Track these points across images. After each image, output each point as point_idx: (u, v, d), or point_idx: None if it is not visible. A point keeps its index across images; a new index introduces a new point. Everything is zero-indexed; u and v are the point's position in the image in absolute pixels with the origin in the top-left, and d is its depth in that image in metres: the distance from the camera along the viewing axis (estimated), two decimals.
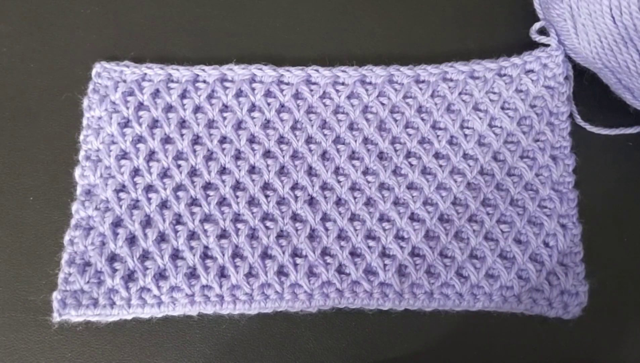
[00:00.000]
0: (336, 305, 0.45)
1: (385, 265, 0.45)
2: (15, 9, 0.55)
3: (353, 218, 0.47)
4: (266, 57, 0.50)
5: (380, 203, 0.47)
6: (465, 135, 0.48)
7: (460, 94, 0.49)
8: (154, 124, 0.47)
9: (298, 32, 0.54)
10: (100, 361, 0.45)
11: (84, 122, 0.48)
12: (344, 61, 0.51)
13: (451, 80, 0.49)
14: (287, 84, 0.49)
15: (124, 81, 0.48)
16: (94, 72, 0.49)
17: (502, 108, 0.49)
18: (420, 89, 0.49)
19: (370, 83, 0.49)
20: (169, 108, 0.48)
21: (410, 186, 0.47)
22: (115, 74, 0.48)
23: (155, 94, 0.48)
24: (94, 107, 0.48)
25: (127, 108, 0.47)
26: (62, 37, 0.54)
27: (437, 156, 0.48)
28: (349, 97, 0.49)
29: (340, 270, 0.45)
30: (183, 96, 0.48)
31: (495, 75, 0.49)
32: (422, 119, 0.48)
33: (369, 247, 0.46)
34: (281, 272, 0.45)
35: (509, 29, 0.57)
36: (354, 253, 0.46)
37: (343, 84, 0.49)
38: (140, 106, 0.48)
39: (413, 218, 0.47)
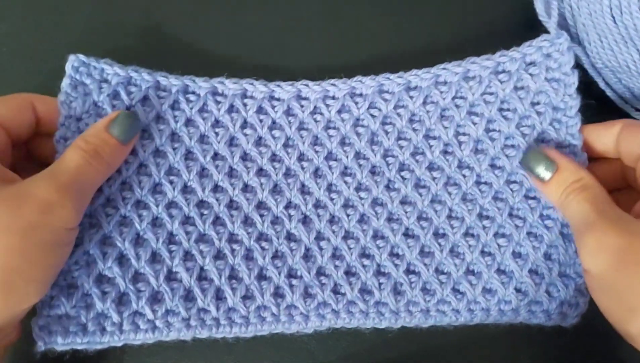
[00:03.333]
0: (332, 325, 0.46)
1: (380, 284, 0.47)
2: (15, 8, 0.56)
3: (347, 236, 0.48)
4: (255, 66, 0.52)
5: (373, 220, 0.48)
6: (460, 143, 0.49)
7: (454, 98, 0.50)
8: (143, 134, 0.48)
9: (288, 37, 0.56)
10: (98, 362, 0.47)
11: (60, 121, 0.46)
12: (336, 69, 0.52)
13: (444, 83, 0.50)
14: (278, 100, 0.50)
15: (107, 82, 0.48)
16: (70, 65, 0.47)
17: (500, 110, 0.49)
18: (411, 97, 0.50)
19: (360, 95, 0.50)
20: (158, 118, 0.49)
21: (404, 201, 0.48)
22: (95, 71, 0.48)
23: (144, 101, 0.48)
24: (74, 107, 0.47)
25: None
26: (62, 37, 0.55)
27: (430, 168, 0.49)
28: (339, 112, 0.50)
29: (335, 290, 0.47)
30: (173, 107, 0.49)
31: (491, 73, 0.49)
32: (414, 130, 0.49)
33: (364, 266, 0.47)
34: (277, 294, 0.46)
35: (508, 28, 0.57)
36: (349, 272, 0.47)
37: (333, 98, 0.50)
38: (128, 109, 0.48)
39: (407, 234, 0.48)
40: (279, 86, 0.50)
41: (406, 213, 0.48)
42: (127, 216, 0.46)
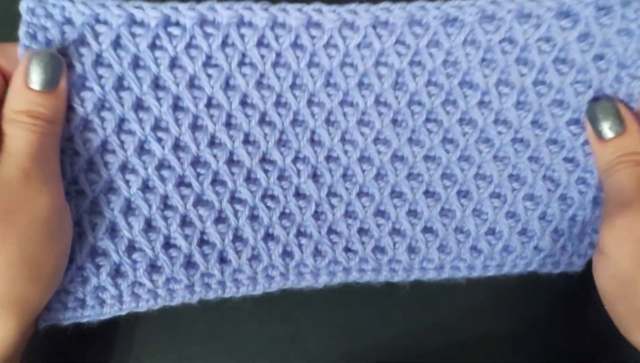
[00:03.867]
0: (343, 281, 0.45)
1: (395, 243, 0.44)
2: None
3: (362, 193, 0.44)
4: None
5: (391, 176, 0.43)
6: (500, 94, 0.42)
7: (501, 41, 0.41)
8: (120, 84, 0.40)
9: None
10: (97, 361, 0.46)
11: None
12: None
13: (492, 19, 0.41)
14: (284, 28, 0.40)
15: (71, 23, 0.38)
16: (24, 7, 0.37)
17: (555, 60, 0.42)
18: (449, 34, 0.41)
19: (386, 26, 0.41)
20: (136, 63, 0.40)
21: (428, 157, 0.44)
22: (55, 11, 0.38)
23: (116, 43, 0.39)
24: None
25: (82, 63, 0.39)
26: None
27: (462, 120, 0.43)
28: (359, 46, 0.41)
29: (347, 248, 0.44)
30: (153, 45, 0.40)
31: (553, 17, 0.41)
32: (448, 75, 0.42)
33: (378, 225, 0.44)
34: (285, 252, 0.44)
35: None
36: (362, 231, 0.44)
37: (353, 28, 0.41)
38: (99, 59, 0.39)
39: (428, 192, 0.44)
40: (284, 10, 0.40)
41: (429, 170, 0.43)
42: (113, 182, 0.41)
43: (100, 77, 0.39)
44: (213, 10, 0.39)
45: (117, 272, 0.42)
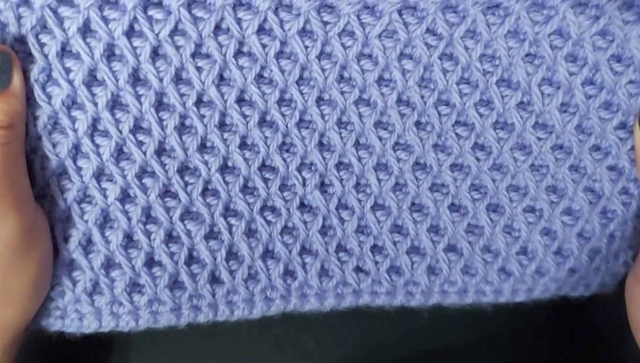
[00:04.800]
0: (352, 305, 0.40)
1: (413, 263, 0.39)
2: None
3: (377, 205, 0.38)
4: None
5: (412, 188, 0.38)
6: (543, 94, 0.36)
7: (551, 34, 0.35)
8: (92, 78, 0.33)
9: None
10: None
11: None
12: None
13: (542, 6, 0.35)
14: (291, 11, 0.33)
15: (29, 5, 0.31)
16: None
17: (611, 57, 0.36)
18: (491, 24, 0.34)
19: (414, 11, 0.34)
20: (111, 53, 0.33)
21: (456, 165, 0.38)
22: None
23: (86, 29, 0.32)
24: None
25: (45, 55, 0.32)
26: None
27: (496, 124, 0.37)
28: (381, 35, 0.34)
29: (358, 268, 0.39)
30: (131, 31, 0.33)
31: (614, 7, 0.35)
32: (485, 72, 0.36)
33: (395, 242, 0.38)
34: (287, 273, 0.38)
35: None
36: (375, 248, 0.39)
37: (374, 12, 0.34)
38: (65, 48, 0.32)
39: (454, 205, 0.39)
40: None
41: (456, 181, 0.38)
42: (87, 192, 0.35)
43: (68, 70, 0.32)
44: None
45: (94, 288, 0.36)
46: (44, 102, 0.32)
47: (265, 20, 0.33)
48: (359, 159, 0.37)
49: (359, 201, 0.38)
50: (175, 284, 0.37)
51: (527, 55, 0.35)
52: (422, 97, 0.36)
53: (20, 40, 0.31)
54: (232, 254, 0.37)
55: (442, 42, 0.35)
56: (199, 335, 0.43)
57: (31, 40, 0.31)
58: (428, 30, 0.35)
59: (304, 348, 0.44)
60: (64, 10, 0.31)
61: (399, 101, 0.36)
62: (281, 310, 0.39)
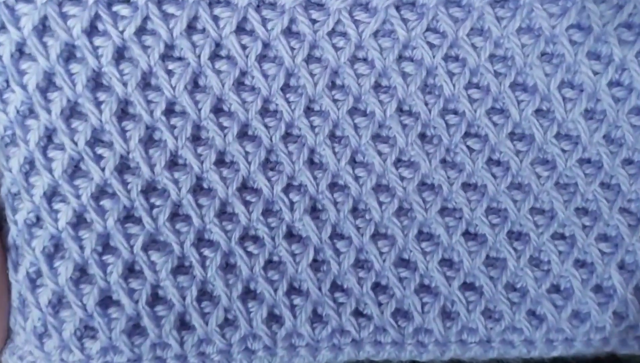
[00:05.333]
0: (352, 358, 0.33)
1: (423, 304, 0.33)
2: None
3: (378, 233, 0.32)
4: None
5: (419, 212, 0.32)
6: (565, 99, 0.31)
7: (570, 28, 0.31)
8: (48, 84, 0.29)
9: None
10: None
11: None
12: None
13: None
14: (274, 7, 0.30)
15: None
16: None
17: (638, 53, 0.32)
18: (500, 18, 0.30)
19: (412, 6, 0.30)
20: (70, 54, 0.29)
21: (468, 184, 0.33)
22: None
23: (43, 28, 0.29)
24: None
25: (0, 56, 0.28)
26: None
27: (513, 135, 0.32)
28: (376, 34, 0.31)
29: (358, 312, 0.33)
30: (93, 29, 0.29)
31: None
32: (497, 73, 0.31)
33: (401, 279, 0.32)
34: (271, 317, 0.32)
35: None
36: (378, 287, 0.33)
37: (368, 8, 0.30)
38: (21, 50, 0.29)
39: (469, 233, 0.33)
40: None
41: (470, 202, 0.32)
42: (37, 212, 0.30)
43: (22, 73, 0.29)
44: None
45: (45, 329, 0.31)
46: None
47: (245, 18, 0.30)
48: (356, 178, 0.32)
49: (357, 228, 0.32)
50: (135, 329, 0.31)
51: (543, 54, 0.31)
52: (427, 104, 0.31)
53: None
54: (205, 293, 0.32)
55: (446, 41, 0.31)
56: None
57: None
58: (429, 27, 0.31)
59: None
60: (20, 7, 0.28)
61: (400, 110, 0.32)
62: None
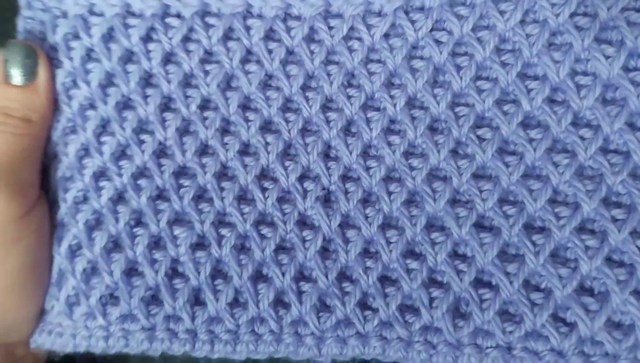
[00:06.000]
0: (357, 355, 0.32)
1: (432, 300, 0.31)
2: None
3: (387, 223, 0.33)
4: None
5: (428, 202, 0.32)
6: (579, 86, 0.30)
7: (573, 15, 0.31)
8: (109, 82, 0.36)
9: None
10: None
11: None
12: None
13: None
14: (297, 19, 0.34)
15: (65, 16, 0.36)
16: (22, 1, 0.36)
17: None
18: (503, 12, 0.32)
19: (420, 10, 0.33)
20: (128, 57, 0.36)
21: (480, 174, 0.32)
22: (51, 3, 0.36)
23: (109, 36, 0.36)
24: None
25: (71, 59, 0.35)
26: None
27: (526, 124, 0.31)
28: (387, 36, 0.33)
29: (363, 303, 0.32)
30: (148, 38, 0.36)
31: None
32: (504, 64, 0.32)
33: (409, 270, 0.31)
34: (278, 301, 0.33)
35: None
36: (385, 278, 0.32)
37: (379, 14, 0.33)
38: (89, 54, 0.36)
39: (482, 225, 0.32)
40: None
41: (481, 192, 0.31)
42: (87, 190, 0.35)
43: (88, 72, 0.35)
44: None
45: (75, 298, 0.34)
46: (65, 104, 0.35)
47: (271, 28, 0.35)
48: (367, 169, 0.33)
49: (366, 216, 0.32)
50: (153, 300, 0.34)
51: (551, 44, 0.31)
52: (435, 97, 0.32)
53: (54, 47, 0.36)
54: (219, 273, 0.34)
55: (452, 39, 0.32)
56: None
57: (62, 46, 0.35)
58: (436, 27, 0.33)
59: None
60: (93, 19, 0.35)
61: (410, 103, 0.33)
62: (271, 351, 0.33)
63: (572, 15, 0.31)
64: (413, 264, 0.32)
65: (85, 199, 0.35)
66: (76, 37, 0.36)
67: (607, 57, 0.30)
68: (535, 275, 0.31)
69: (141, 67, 0.35)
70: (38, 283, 0.34)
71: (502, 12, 0.32)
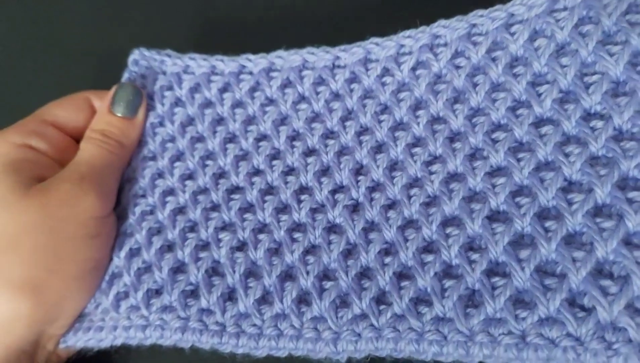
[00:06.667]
0: (372, 350, 0.31)
1: (444, 290, 0.31)
2: (13, 5, 0.59)
3: (406, 224, 0.34)
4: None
5: (444, 201, 0.33)
6: (589, 85, 0.32)
7: (577, 25, 0.34)
8: (189, 122, 0.44)
9: None
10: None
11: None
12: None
13: (564, 8, 0.35)
14: (342, 67, 0.41)
15: (164, 73, 0.46)
16: (131, 59, 0.46)
17: None
18: (513, 34, 0.35)
19: (443, 44, 0.38)
20: (206, 105, 0.44)
21: (493, 174, 0.33)
22: (155, 63, 0.46)
23: (195, 89, 0.45)
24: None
25: (163, 105, 0.44)
26: (60, 34, 0.56)
27: (538, 124, 0.33)
28: (414, 69, 0.38)
29: (379, 299, 0.33)
30: (224, 90, 0.44)
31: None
32: (516, 75, 0.34)
33: (423, 264, 0.32)
34: (301, 299, 0.35)
35: None
36: (401, 274, 0.33)
37: (409, 53, 0.39)
38: (178, 102, 0.45)
39: (494, 218, 0.32)
40: (344, 50, 0.41)
41: (494, 187, 0.32)
42: (154, 206, 0.41)
43: (173, 114, 0.44)
44: (280, 58, 0.42)
45: (124, 294, 0.39)
46: (150, 138, 0.44)
47: (321, 75, 0.41)
48: (391, 179, 0.36)
49: (387, 219, 0.34)
50: (191, 294, 0.37)
51: (559, 53, 0.34)
52: (454, 112, 0.35)
53: (151, 96, 0.45)
54: (252, 272, 0.37)
55: (470, 63, 0.36)
56: None
57: (158, 94, 0.45)
58: (455, 54, 0.37)
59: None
60: (185, 76, 0.45)
61: (433, 120, 0.36)
62: (291, 348, 0.33)
63: (577, 25, 0.33)
64: (428, 257, 0.32)
65: (151, 213, 0.41)
66: (169, 88, 0.45)
67: (612, 54, 0.32)
68: (550, 263, 0.29)
69: (215, 110, 0.43)
70: (96, 281, 0.39)
71: (513, 33, 0.35)
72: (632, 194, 0.29)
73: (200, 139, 0.43)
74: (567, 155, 0.31)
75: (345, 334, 0.32)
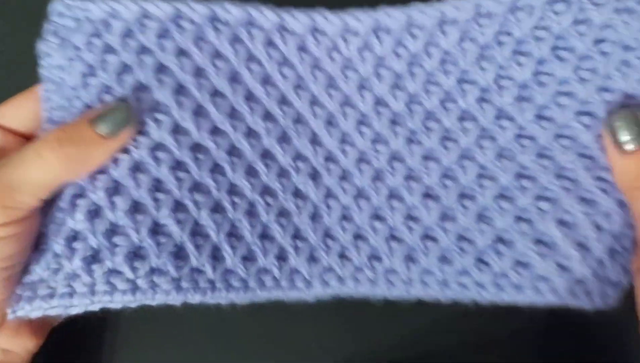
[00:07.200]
0: (337, 293, 0.43)
1: (391, 250, 0.43)
2: (12, 5, 0.53)
3: (359, 194, 0.44)
4: None
5: (389, 177, 0.44)
6: (501, 88, 0.43)
7: (497, 34, 0.43)
8: (124, 70, 0.41)
9: None
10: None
11: (41, 73, 0.41)
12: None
13: (487, 16, 0.43)
14: (291, 32, 0.44)
15: (90, 20, 0.41)
16: (53, 10, 0.41)
17: (554, 48, 0.42)
18: (445, 33, 0.43)
19: (386, 30, 0.43)
20: (142, 51, 0.42)
21: (427, 156, 0.44)
22: (80, 12, 0.41)
23: (128, 34, 0.42)
24: (52, 54, 0.41)
25: (92, 52, 0.41)
26: None
27: (462, 118, 0.44)
28: (360, 50, 0.44)
29: (342, 255, 0.44)
30: (162, 36, 0.42)
31: (546, 3, 0.42)
32: (446, 72, 0.44)
33: (375, 229, 0.43)
34: (280, 256, 0.43)
35: None
36: (358, 236, 0.44)
37: (356, 33, 0.44)
38: (108, 49, 0.41)
39: (428, 194, 0.44)
40: (292, 16, 0.43)
41: (428, 169, 0.43)
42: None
43: (105, 63, 0.41)
44: (224, 9, 0.42)
45: (93, 258, 0.39)
46: (83, 90, 0.41)
47: (270, 37, 0.43)
48: (343, 152, 0.44)
49: (344, 189, 0.44)
50: (178, 255, 0.40)
51: (481, 56, 0.43)
52: (395, 97, 0.44)
53: (76, 46, 0.41)
54: (233, 233, 0.42)
55: (409, 53, 0.43)
56: (196, 334, 0.46)
57: (85, 43, 0.41)
58: (396, 43, 0.43)
59: (305, 348, 0.47)
60: (113, 22, 0.41)
61: (377, 102, 0.44)
62: (271, 295, 0.43)
63: (497, 33, 0.42)
64: (378, 225, 0.43)
65: (102, 172, 0.39)
66: (96, 36, 0.41)
67: (520, 65, 0.42)
68: (463, 229, 0.42)
69: (155, 58, 0.41)
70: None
71: (444, 33, 0.43)
72: (524, 182, 0.42)
73: (143, 89, 0.41)
74: (482, 148, 0.43)
75: (316, 283, 0.43)
